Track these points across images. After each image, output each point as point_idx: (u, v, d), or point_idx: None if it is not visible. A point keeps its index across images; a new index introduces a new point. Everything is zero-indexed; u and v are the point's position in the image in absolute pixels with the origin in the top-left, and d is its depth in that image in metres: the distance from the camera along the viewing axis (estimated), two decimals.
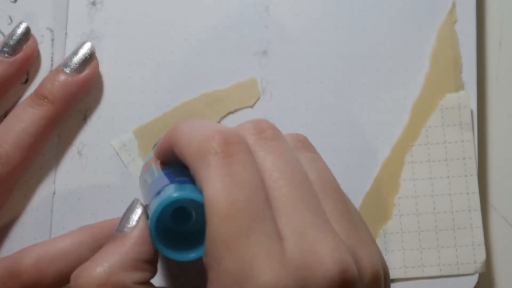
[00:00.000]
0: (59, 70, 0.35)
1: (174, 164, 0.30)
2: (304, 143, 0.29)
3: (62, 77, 0.35)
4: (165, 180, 0.28)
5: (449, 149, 0.37)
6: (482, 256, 0.36)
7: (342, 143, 0.37)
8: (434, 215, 0.36)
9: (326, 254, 0.25)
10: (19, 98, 0.36)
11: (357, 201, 0.36)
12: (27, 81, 0.37)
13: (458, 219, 0.36)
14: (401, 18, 0.38)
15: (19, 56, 0.35)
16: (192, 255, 0.27)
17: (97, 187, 0.36)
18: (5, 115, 0.36)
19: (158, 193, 0.28)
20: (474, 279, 0.36)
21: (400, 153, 0.37)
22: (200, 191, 0.26)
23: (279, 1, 0.38)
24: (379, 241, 0.36)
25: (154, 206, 0.27)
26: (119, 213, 0.30)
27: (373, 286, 0.26)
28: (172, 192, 0.27)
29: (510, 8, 0.39)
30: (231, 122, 0.37)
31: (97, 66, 0.36)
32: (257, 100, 0.37)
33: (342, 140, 0.37)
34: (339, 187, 0.29)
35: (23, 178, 0.36)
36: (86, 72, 0.36)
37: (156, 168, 0.31)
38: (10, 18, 0.37)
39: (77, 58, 0.36)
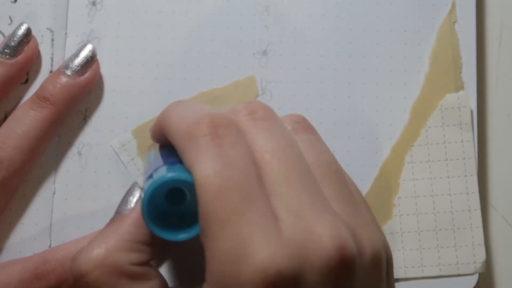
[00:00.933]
0: (60, 72, 0.35)
1: (170, 145, 0.29)
2: (302, 124, 0.28)
3: (63, 79, 0.35)
4: (157, 162, 0.28)
5: (449, 149, 0.37)
6: (482, 256, 0.36)
7: (342, 143, 0.37)
8: (434, 215, 0.36)
9: (323, 232, 0.24)
10: (19, 98, 0.36)
11: None
12: (27, 81, 0.36)
13: (458, 219, 0.36)
14: (401, 18, 0.38)
15: (20, 57, 0.35)
16: (182, 235, 0.27)
17: (97, 187, 0.36)
18: (6, 116, 0.36)
19: (151, 175, 0.28)
20: (474, 279, 0.36)
21: (400, 153, 0.37)
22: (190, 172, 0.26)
23: (279, 1, 0.38)
24: None
25: (145, 188, 0.27)
26: None
27: (374, 268, 0.26)
28: (161, 174, 0.27)
29: (510, 8, 0.39)
30: None
31: (98, 69, 0.36)
32: (256, 97, 0.37)
33: (342, 140, 0.37)
34: (340, 168, 0.28)
35: (23, 178, 0.36)
36: (87, 74, 0.35)
37: (153, 150, 0.31)
38: (10, 18, 0.37)
39: (78, 60, 0.36)
